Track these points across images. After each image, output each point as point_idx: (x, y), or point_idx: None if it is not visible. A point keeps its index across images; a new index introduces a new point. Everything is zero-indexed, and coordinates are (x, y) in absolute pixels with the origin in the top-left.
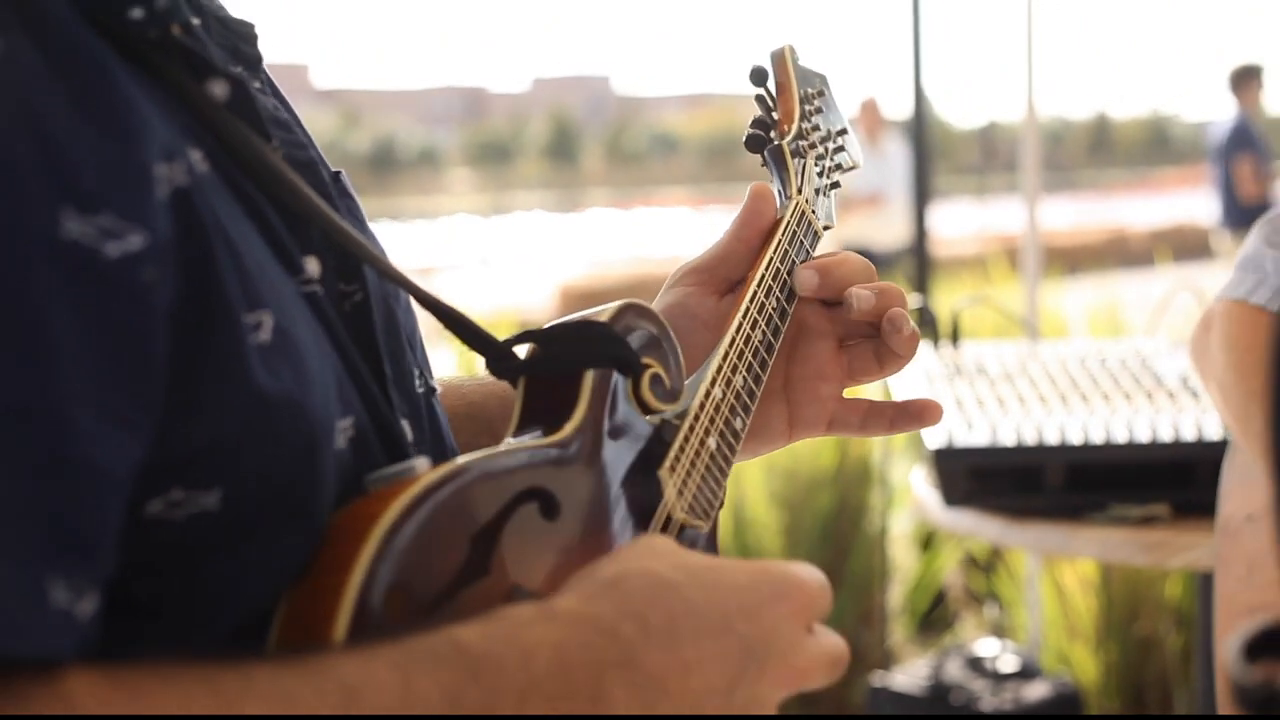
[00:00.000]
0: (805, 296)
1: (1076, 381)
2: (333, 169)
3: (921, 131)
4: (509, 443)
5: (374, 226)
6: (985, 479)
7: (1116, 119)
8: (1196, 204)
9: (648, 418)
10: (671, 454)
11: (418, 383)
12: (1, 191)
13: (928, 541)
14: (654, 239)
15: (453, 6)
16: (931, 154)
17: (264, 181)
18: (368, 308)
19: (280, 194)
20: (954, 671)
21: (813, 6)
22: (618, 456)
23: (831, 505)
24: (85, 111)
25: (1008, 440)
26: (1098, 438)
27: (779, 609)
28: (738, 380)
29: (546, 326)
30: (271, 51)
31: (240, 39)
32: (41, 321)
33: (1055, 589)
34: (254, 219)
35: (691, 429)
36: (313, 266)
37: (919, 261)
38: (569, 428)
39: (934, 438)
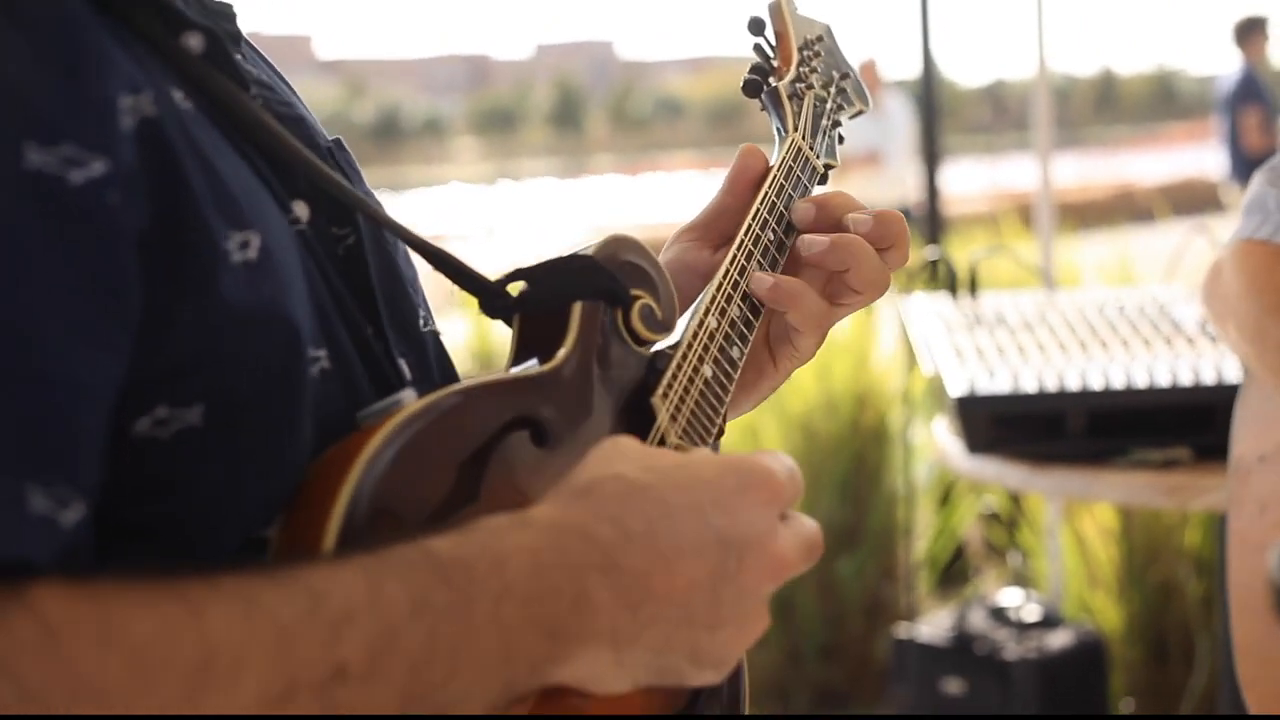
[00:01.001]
0: (804, 229)
1: (1095, 329)
2: (330, 138)
3: (930, 89)
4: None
5: (380, 196)
6: (1008, 426)
7: (1122, 75)
8: (1204, 158)
9: (640, 348)
10: (664, 381)
11: (422, 324)
12: None
13: (945, 496)
14: (660, 204)
15: None
16: (939, 112)
17: (244, 126)
18: (361, 250)
19: (262, 138)
20: (977, 622)
21: None
22: (610, 385)
23: (849, 463)
24: (42, 53)
25: (1029, 387)
26: (1118, 383)
27: (750, 498)
28: (733, 310)
29: (535, 264)
30: (274, 23)
31: (219, 17)
32: (11, 246)
33: (1075, 539)
34: (242, 158)
35: (685, 356)
36: (301, 210)
37: (931, 216)
38: (559, 356)
39: (957, 386)
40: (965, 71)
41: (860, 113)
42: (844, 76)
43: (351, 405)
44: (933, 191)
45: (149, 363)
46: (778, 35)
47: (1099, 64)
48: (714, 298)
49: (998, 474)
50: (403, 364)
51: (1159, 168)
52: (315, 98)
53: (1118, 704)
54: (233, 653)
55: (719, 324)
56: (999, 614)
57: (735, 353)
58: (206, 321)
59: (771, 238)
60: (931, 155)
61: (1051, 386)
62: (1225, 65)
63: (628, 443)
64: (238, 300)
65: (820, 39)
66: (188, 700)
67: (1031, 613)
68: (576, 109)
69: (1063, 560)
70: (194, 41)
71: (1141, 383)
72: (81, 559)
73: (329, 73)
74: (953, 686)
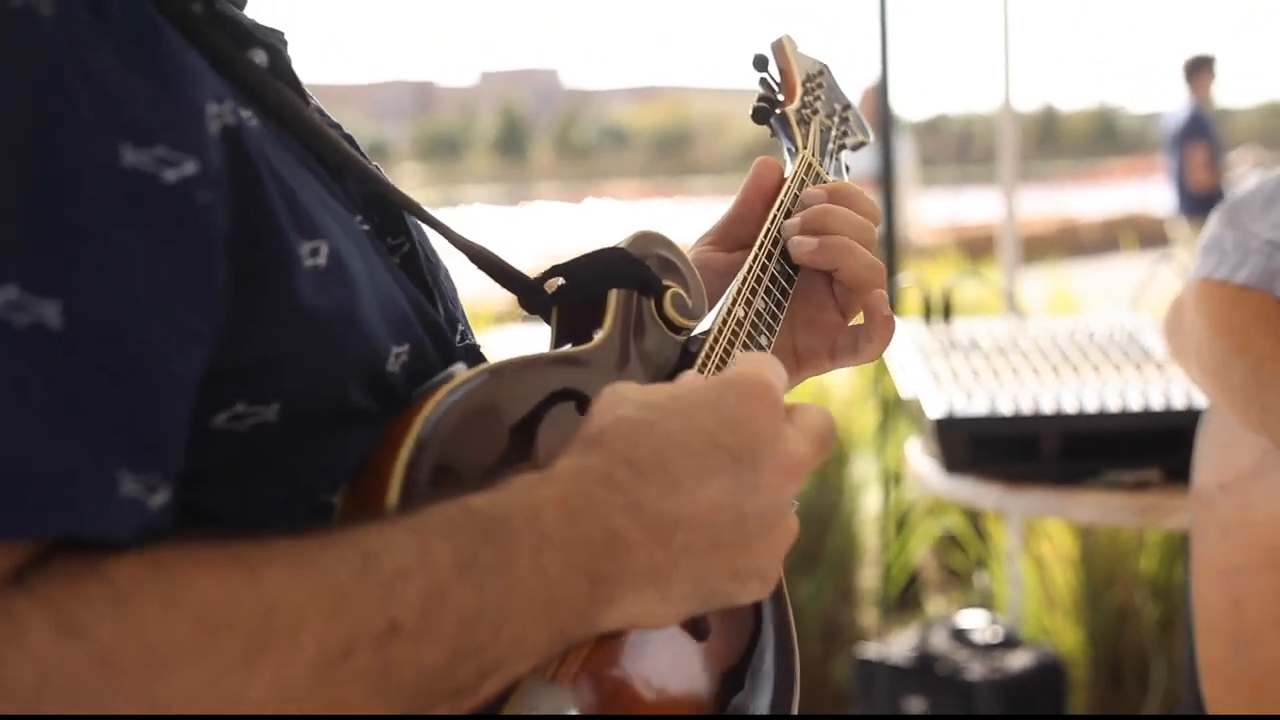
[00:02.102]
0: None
1: (1066, 354)
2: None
3: (887, 120)
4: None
5: None
6: (985, 447)
7: (1063, 111)
8: (1145, 194)
9: (674, 334)
10: (698, 364)
11: (462, 338)
12: (67, 133)
13: (901, 521)
14: (603, 232)
15: (401, 0)
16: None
17: (307, 138)
18: (416, 256)
19: (323, 150)
20: (939, 643)
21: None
22: (647, 366)
23: (810, 487)
24: (134, 61)
25: (1006, 410)
26: (1091, 407)
27: (751, 409)
28: (758, 302)
29: (570, 259)
30: None
31: (274, 37)
32: (111, 239)
33: (1034, 562)
34: (306, 169)
35: (716, 341)
36: (360, 217)
37: (889, 244)
38: (598, 338)
39: (935, 408)
40: (920, 104)
41: (862, 144)
42: (845, 108)
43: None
44: (890, 220)
45: (229, 362)
46: (781, 71)
47: (1041, 100)
48: (740, 290)
49: (974, 494)
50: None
51: (1101, 203)
52: None
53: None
54: (291, 612)
55: (746, 314)
56: (960, 635)
57: (763, 340)
58: (283, 324)
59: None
60: (888, 183)
61: (1027, 409)
62: (1167, 102)
63: (625, 386)
64: (311, 304)
65: (821, 74)
66: (249, 658)
67: (992, 634)
68: (521, 136)
69: (1022, 584)
70: (259, 57)
71: (1114, 406)
72: (163, 537)
73: None
74: (915, 706)
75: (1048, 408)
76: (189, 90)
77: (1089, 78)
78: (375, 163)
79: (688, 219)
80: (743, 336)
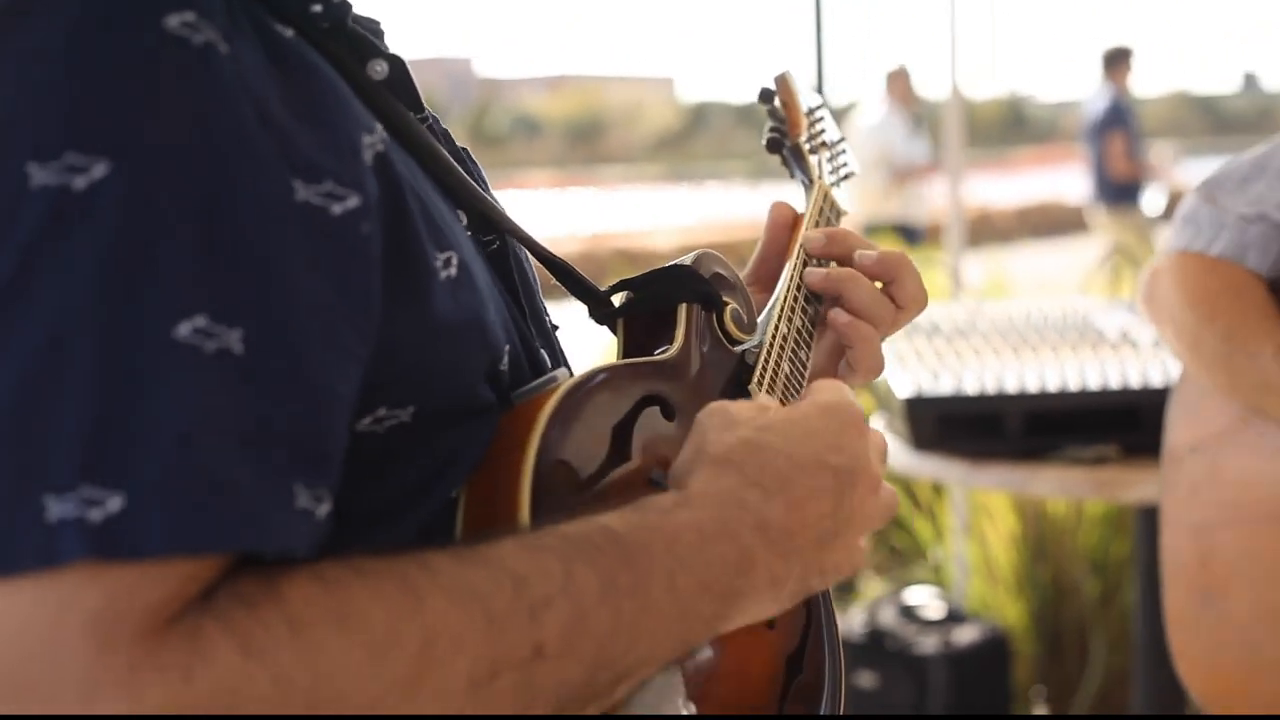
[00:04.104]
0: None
1: (1024, 336)
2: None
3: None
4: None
5: None
6: (951, 425)
7: (973, 100)
8: (1056, 182)
9: (731, 347)
10: (756, 373)
11: (547, 320)
12: (248, 169)
13: None
14: (518, 221)
15: None
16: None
17: (420, 150)
18: (505, 254)
19: (433, 161)
20: (888, 619)
21: None
22: (711, 375)
23: None
24: (299, 100)
25: (971, 390)
26: (1052, 386)
27: (850, 433)
28: (796, 320)
29: (638, 275)
30: None
31: (372, 33)
32: (286, 269)
33: (977, 540)
34: (426, 179)
35: (768, 354)
36: (463, 219)
37: None
38: (674, 350)
39: (904, 388)
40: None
41: (851, 174)
42: (840, 141)
43: (515, 389)
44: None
45: (375, 371)
46: (784, 104)
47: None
48: (780, 309)
49: (941, 470)
50: (543, 354)
51: (1012, 191)
52: None
53: (1027, 693)
54: (450, 639)
55: (788, 330)
56: (908, 611)
57: (804, 354)
58: (421, 333)
59: (816, 265)
60: None
61: (991, 389)
62: (1077, 92)
63: (733, 406)
64: (446, 313)
65: (820, 107)
66: (413, 679)
67: (939, 610)
68: None
69: (966, 561)
70: (379, 68)
71: (1073, 386)
72: (321, 543)
73: None
74: (865, 680)
75: (1011, 387)
76: (347, 127)
77: (996, 67)
78: (463, 148)
79: (601, 208)
80: (789, 351)
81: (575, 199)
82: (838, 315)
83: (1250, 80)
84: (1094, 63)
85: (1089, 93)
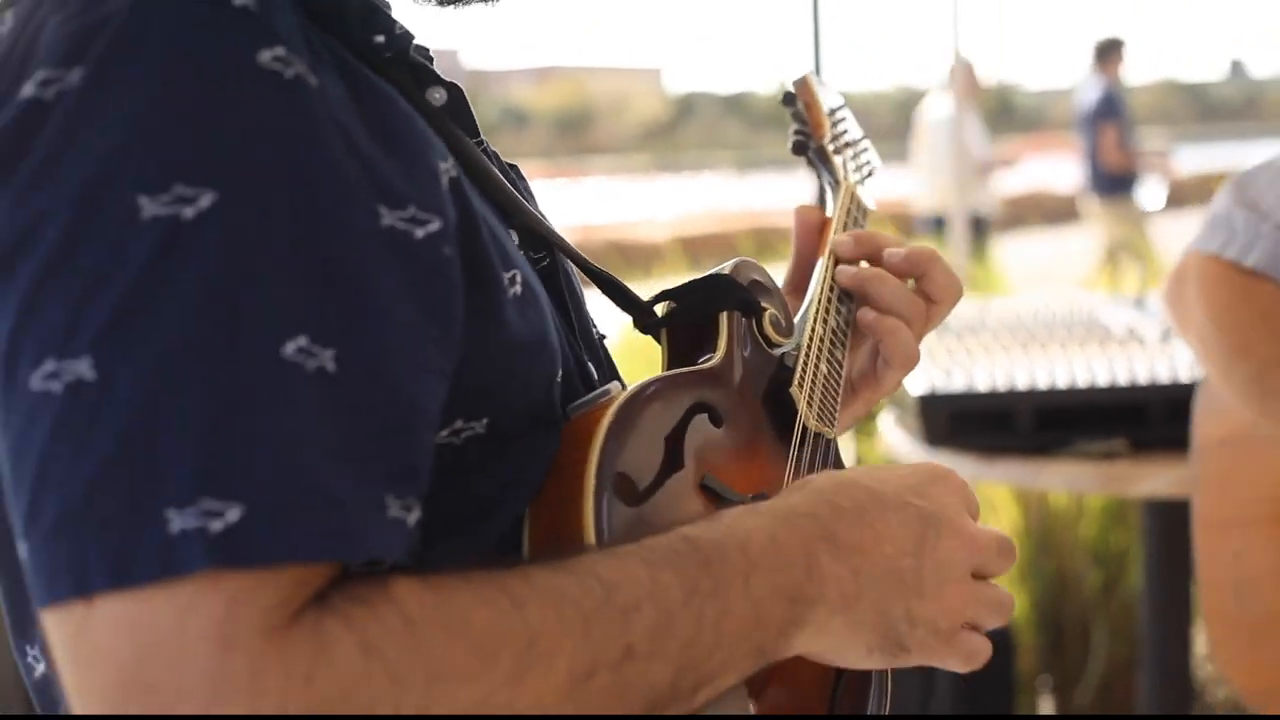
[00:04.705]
0: (843, 258)
1: (1033, 333)
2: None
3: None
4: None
5: None
6: (963, 421)
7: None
8: (1047, 171)
9: (770, 350)
10: (796, 376)
11: (595, 331)
12: (339, 197)
13: None
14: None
15: None
16: None
17: (479, 173)
18: (555, 270)
19: (490, 183)
20: None
21: None
22: (754, 379)
23: None
24: (381, 129)
25: (982, 386)
26: (1061, 383)
27: (942, 487)
28: (831, 320)
29: (679, 285)
30: None
31: (426, 59)
32: (377, 291)
33: None
34: (487, 200)
35: (806, 356)
36: (514, 238)
37: None
38: (717, 357)
39: (917, 385)
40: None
41: (873, 172)
42: (863, 139)
43: (568, 402)
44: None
45: (453, 385)
46: (807, 105)
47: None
48: (815, 311)
49: (952, 466)
50: (590, 366)
51: (1002, 180)
52: None
53: (1032, 683)
54: (549, 639)
55: (823, 331)
56: None
57: (839, 354)
58: (495, 349)
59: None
60: None
61: (1002, 385)
62: (1064, 80)
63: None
64: (516, 330)
65: (842, 107)
66: (515, 678)
67: None
68: None
69: None
70: (439, 95)
71: (1082, 382)
72: (412, 550)
73: None
74: None
75: (1022, 384)
76: (425, 154)
77: (986, 55)
78: (512, 165)
79: (590, 198)
80: (825, 351)
81: (564, 190)
82: (864, 314)
83: (1237, 68)
84: (1081, 50)
85: (1079, 81)
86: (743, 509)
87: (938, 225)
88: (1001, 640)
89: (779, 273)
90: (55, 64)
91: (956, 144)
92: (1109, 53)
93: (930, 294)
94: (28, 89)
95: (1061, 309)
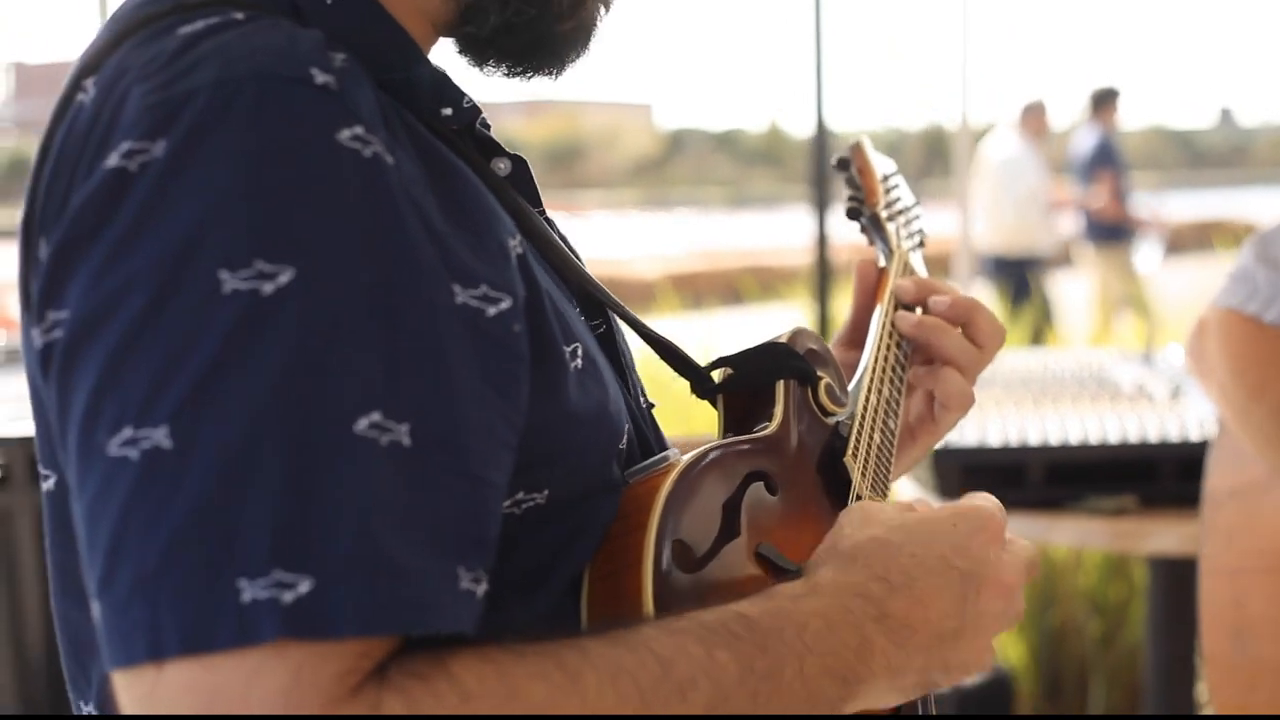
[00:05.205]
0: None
1: (1044, 389)
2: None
3: (823, 142)
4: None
5: None
6: (975, 475)
7: (949, 128)
8: None
9: (824, 419)
10: (850, 445)
11: (643, 401)
12: (415, 275)
13: None
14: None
15: None
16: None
17: (542, 244)
18: (612, 337)
19: (553, 253)
20: None
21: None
22: (809, 448)
23: None
24: (453, 208)
25: (995, 441)
26: (1073, 439)
27: (980, 539)
28: (885, 390)
29: (736, 353)
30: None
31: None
32: (450, 368)
33: None
34: (548, 272)
35: (861, 426)
36: (576, 307)
37: (820, 267)
38: (773, 426)
39: None
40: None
41: (924, 240)
42: (915, 205)
43: (626, 465)
44: (822, 241)
45: (516, 459)
46: (860, 171)
47: (927, 118)
48: (870, 380)
49: None
50: (645, 429)
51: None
52: None
53: None
54: (606, 710)
55: (878, 400)
56: None
57: (893, 423)
58: (556, 423)
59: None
60: (822, 204)
61: (1014, 441)
62: (1056, 125)
63: (872, 506)
64: (577, 403)
65: (895, 174)
66: None
67: None
68: None
69: None
70: (503, 165)
71: (1094, 438)
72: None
73: None
74: None
75: (1034, 440)
76: (495, 230)
77: (971, 97)
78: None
79: (580, 234)
80: (880, 422)
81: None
82: (916, 370)
83: (1226, 115)
84: (1073, 96)
85: (1073, 129)
86: (802, 586)
87: (998, 268)
88: (1000, 688)
89: (775, 316)
90: (141, 135)
91: (1017, 184)
92: (1105, 102)
93: (976, 340)
94: (113, 159)
95: (1071, 365)
